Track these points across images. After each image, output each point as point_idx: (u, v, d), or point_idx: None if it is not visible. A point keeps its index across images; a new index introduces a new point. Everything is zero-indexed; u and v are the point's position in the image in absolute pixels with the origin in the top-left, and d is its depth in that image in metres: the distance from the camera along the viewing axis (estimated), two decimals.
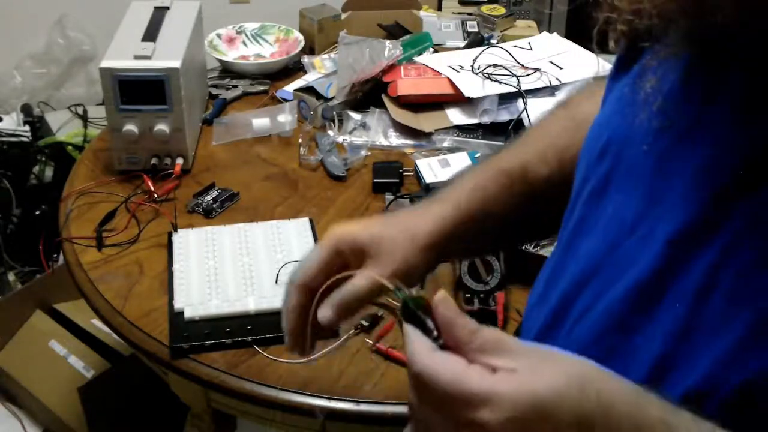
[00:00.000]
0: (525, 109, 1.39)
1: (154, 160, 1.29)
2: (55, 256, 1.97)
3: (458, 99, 1.45)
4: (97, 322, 1.72)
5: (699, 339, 0.49)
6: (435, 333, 0.48)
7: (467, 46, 1.68)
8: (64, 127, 2.28)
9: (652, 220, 0.53)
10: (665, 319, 0.51)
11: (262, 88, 1.59)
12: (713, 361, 0.48)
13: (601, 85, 0.67)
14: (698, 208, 0.49)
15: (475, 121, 1.42)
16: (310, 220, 1.20)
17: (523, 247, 1.09)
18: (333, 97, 1.46)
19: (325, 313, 0.62)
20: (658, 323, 0.51)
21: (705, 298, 0.48)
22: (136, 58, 1.24)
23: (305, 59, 1.65)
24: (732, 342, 0.47)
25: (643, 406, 0.45)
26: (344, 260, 0.65)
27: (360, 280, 0.63)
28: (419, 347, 0.48)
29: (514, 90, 1.44)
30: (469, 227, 0.69)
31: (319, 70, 1.61)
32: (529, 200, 0.72)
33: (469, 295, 1.03)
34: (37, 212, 2.09)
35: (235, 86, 1.58)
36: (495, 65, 1.52)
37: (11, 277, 2.04)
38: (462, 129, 1.42)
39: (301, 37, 1.70)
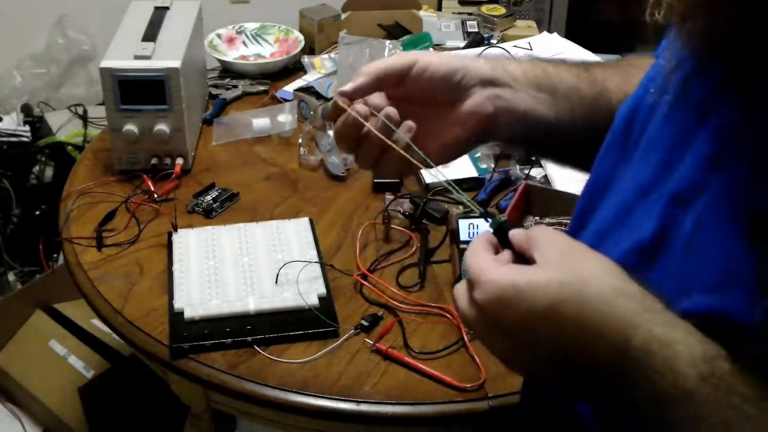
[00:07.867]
0: None
1: (154, 160, 1.29)
2: (55, 256, 1.97)
3: None
4: (97, 322, 1.72)
5: (684, 300, 0.50)
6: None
7: (467, 46, 1.68)
8: (64, 127, 2.28)
9: (662, 184, 0.55)
10: (660, 278, 0.52)
11: (262, 88, 1.59)
12: None
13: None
14: (693, 173, 0.52)
15: None
16: (310, 220, 1.20)
17: None
18: (333, 97, 1.46)
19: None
20: (653, 283, 0.52)
21: (687, 255, 0.51)
22: (136, 58, 1.24)
23: (305, 59, 1.65)
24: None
25: (622, 329, 0.48)
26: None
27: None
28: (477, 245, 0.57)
29: None
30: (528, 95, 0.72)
31: (319, 70, 1.61)
32: (593, 112, 0.72)
33: None
34: (37, 212, 2.09)
35: (235, 86, 1.58)
36: None
37: (11, 277, 2.04)
38: None
39: (301, 37, 1.70)
